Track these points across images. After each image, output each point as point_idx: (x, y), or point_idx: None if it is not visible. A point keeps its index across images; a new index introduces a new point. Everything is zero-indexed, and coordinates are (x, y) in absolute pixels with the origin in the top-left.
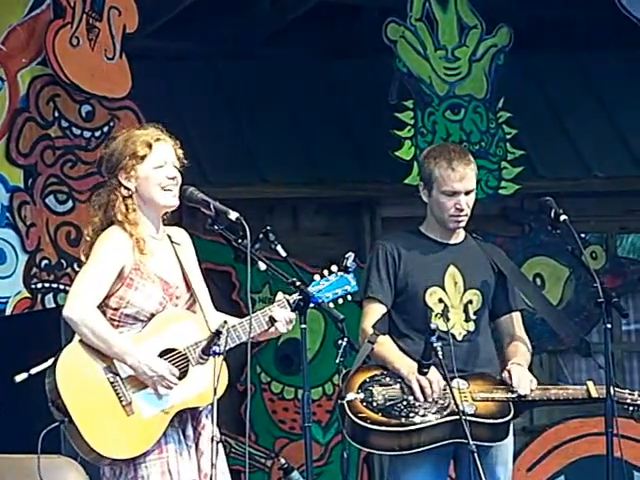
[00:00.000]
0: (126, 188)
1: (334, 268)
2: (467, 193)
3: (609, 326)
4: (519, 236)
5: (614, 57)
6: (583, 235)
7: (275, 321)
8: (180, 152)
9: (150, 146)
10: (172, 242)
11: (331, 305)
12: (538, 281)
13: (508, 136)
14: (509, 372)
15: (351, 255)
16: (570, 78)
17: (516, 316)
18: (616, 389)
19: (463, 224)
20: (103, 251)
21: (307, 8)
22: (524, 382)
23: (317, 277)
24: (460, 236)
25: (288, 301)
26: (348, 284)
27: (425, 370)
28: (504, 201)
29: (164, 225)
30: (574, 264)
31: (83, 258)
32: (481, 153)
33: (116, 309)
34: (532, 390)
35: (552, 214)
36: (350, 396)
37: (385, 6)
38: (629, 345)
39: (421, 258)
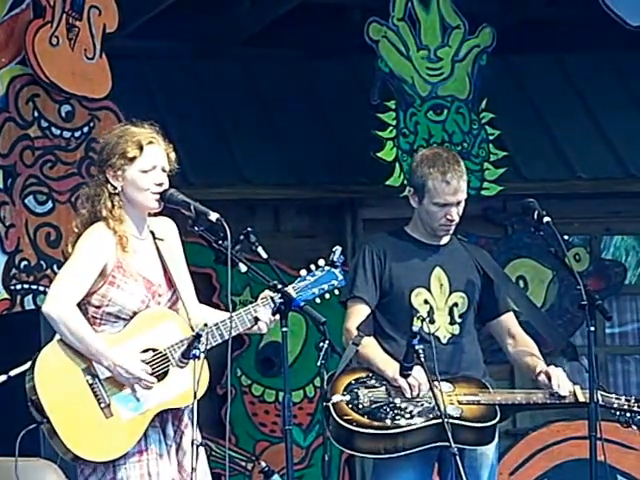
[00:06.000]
0: (112, 185)
1: (321, 262)
2: (458, 203)
3: (592, 329)
4: (502, 238)
5: (597, 57)
6: (567, 237)
7: (259, 320)
8: (173, 156)
9: (141, 148)
10: (155, 239)
11: (317, 300)
12: (521, 283)
13: (491, 137)
14: (547, 373)
15: (338, 249)
16: (553, 79)
17: (511, 316)
18: (603, 394)
19: (452, 231)
20: (85, 248)
21: (288, 8)
22: (564, 383)
23: (303, 272)
24: (446, 238)
25: (272, 298)
26: (335, 279)
27: (407, 373)
28: (487, 202)
29: (149, 216)
30: (557, 266)
31: (69, 249)
32: (463, 154)
33: (98, 307)
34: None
35: (535, 216)
36: (336, 398)
37: (367, 6)
38: (613, 348)
39: (407, 259)
